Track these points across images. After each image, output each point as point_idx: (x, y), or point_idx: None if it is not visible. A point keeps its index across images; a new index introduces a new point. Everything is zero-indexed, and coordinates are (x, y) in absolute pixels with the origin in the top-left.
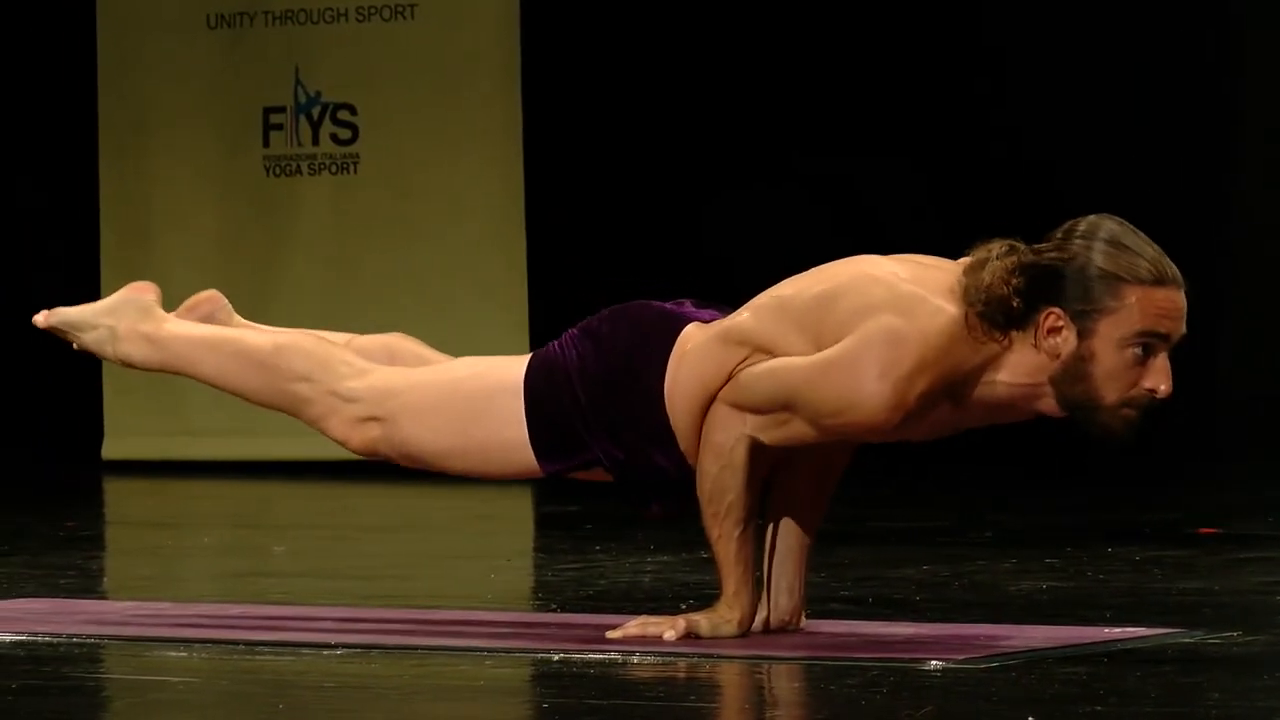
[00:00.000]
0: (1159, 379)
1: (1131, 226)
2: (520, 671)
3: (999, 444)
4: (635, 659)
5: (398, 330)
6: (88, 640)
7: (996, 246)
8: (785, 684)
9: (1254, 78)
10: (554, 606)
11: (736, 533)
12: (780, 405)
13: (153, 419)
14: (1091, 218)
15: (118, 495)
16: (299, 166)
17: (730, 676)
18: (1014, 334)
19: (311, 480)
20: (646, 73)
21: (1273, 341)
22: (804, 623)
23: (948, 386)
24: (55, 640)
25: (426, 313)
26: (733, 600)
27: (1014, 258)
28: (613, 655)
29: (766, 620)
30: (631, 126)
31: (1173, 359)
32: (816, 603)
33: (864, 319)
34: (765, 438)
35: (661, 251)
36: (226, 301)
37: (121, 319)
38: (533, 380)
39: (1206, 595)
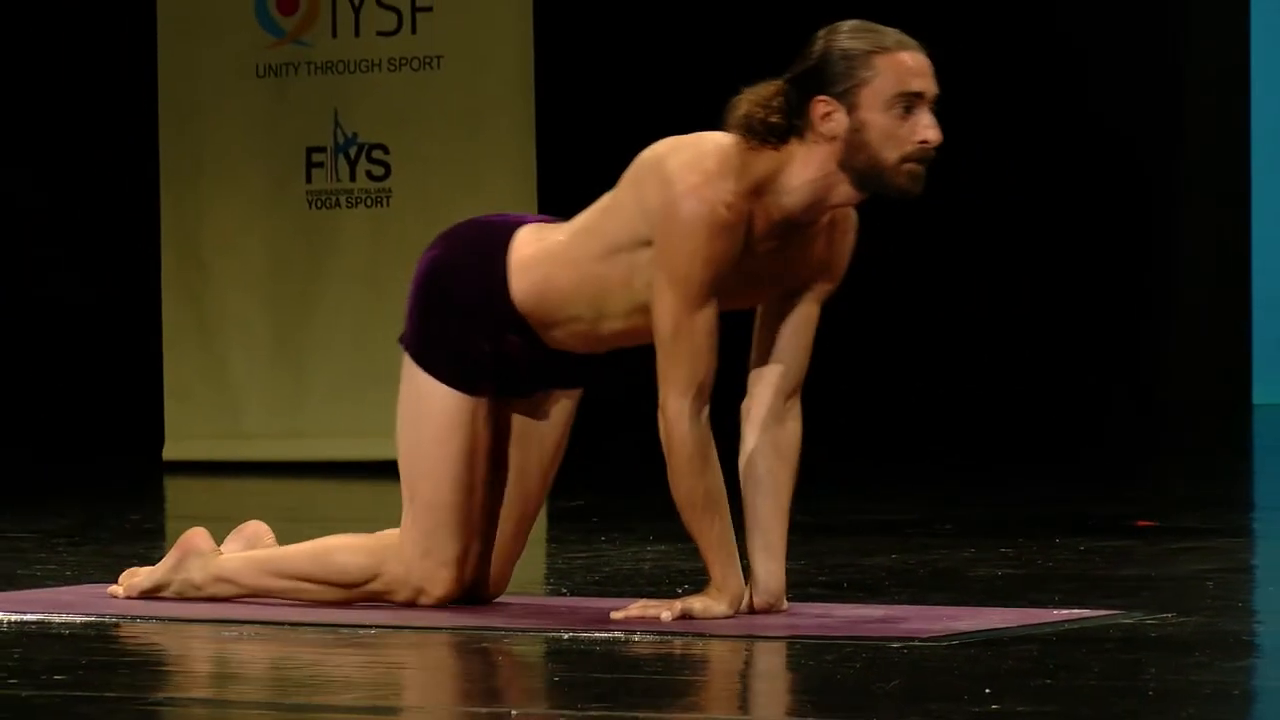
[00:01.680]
0: (927, 130)
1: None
2: (535, 649)
3: (959, 445)
4: (636, 638)
5: None
6: (150, 619)
7: (750, 89)
8: (769, 659)
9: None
10: (564, 590)
11: (715, 521)
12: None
13: (209, 423)
14: (831, 24)
15: (177, 493)
16: (338, 200)
17: (720, 653)
18: (793, 143)
19: (357, 479)
20: (652, 119)
21: (1209, 347)
22: (786, 605)
23: (751, 191)
24: (120, 619)
25: None
26: (721, 584)
27: (770, 86)
28: (616, 634)
29: (751, 603)
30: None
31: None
32: (797, 587)
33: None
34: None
35: None
36: (269, 529)
37: (192, 571)
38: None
39: (1144, 581)
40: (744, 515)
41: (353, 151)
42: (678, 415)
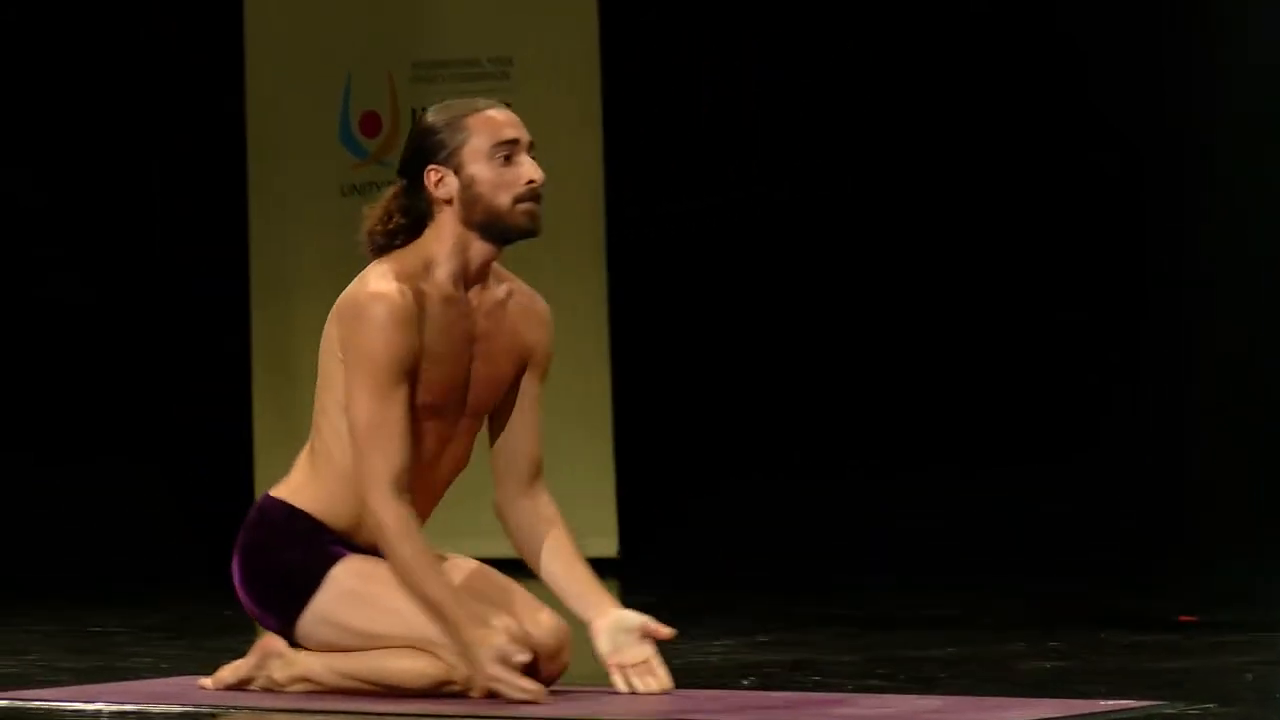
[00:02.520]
0: (528, 170)
1: None
2: None
3: (1007, 545)
4: None
5: None
6: (242, 709)
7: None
8: None
9: None
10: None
11: (438, 577)
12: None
13: None
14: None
15: None
16: None
17: None
18: (428, 226)
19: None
20: (718, 194)
21: (1241, 439)
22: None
23: (410, 280)
24: (214, 709)
25: None
26: (477, 641)
27: (388, 189)
28: None
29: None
30: (704, 273)
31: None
32: (857, 679)
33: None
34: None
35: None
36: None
37: (273, 671)
38: None
39: (1186, 673)
40: (555, 589)
41: None
42: (384, 500)
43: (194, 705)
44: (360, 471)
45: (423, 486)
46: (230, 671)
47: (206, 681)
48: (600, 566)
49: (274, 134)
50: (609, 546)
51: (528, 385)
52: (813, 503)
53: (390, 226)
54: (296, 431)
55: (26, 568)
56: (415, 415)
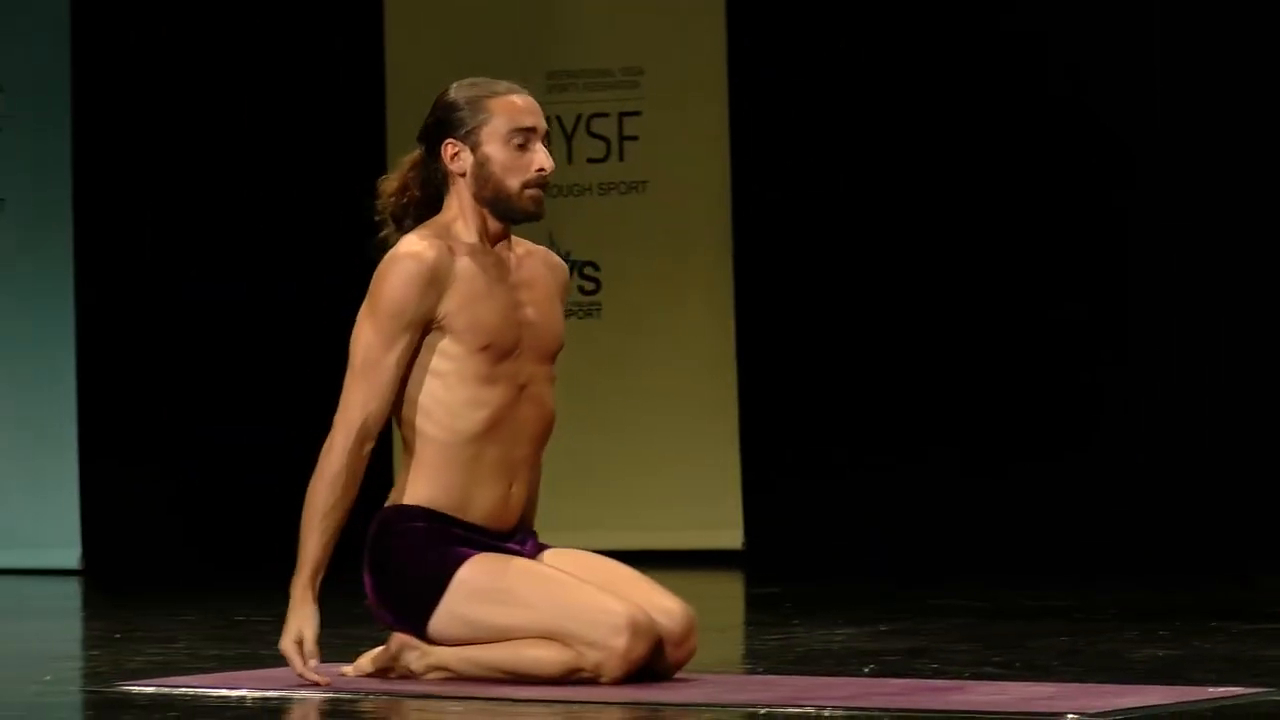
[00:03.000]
0: (541, 159)
1: None
2: None
3: (1117, 540)
4: (827, 712)
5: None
6: (381, 695)
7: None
8: None
9: None
10: (760, 669)
11: (316, 537)
12: None
13: None
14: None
15: None
16: None
17: None
18: (448, 195)
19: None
20: (845, 236)
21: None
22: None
23: (439, 239)
24: (355, 695)
25: (650, 424)
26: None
27: (406, 158)
28: (808, 709)
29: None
30: (827, 277)
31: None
32: (973, 666)
33: None
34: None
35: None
36: None
37: (410, 662)
38: None
39: None
40: None
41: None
42: (343, 434)
43: (334, 692)
44: (341, 399)
45: (510, 437)
46: (369, 660)
47: (347, 669)
48: (726, 558)
49: (413, 143)
50: (734, 539)
51: None
52: (934, 494)
53: (405, 200)
54: None
55: (174, 558)
56: (482, 361)
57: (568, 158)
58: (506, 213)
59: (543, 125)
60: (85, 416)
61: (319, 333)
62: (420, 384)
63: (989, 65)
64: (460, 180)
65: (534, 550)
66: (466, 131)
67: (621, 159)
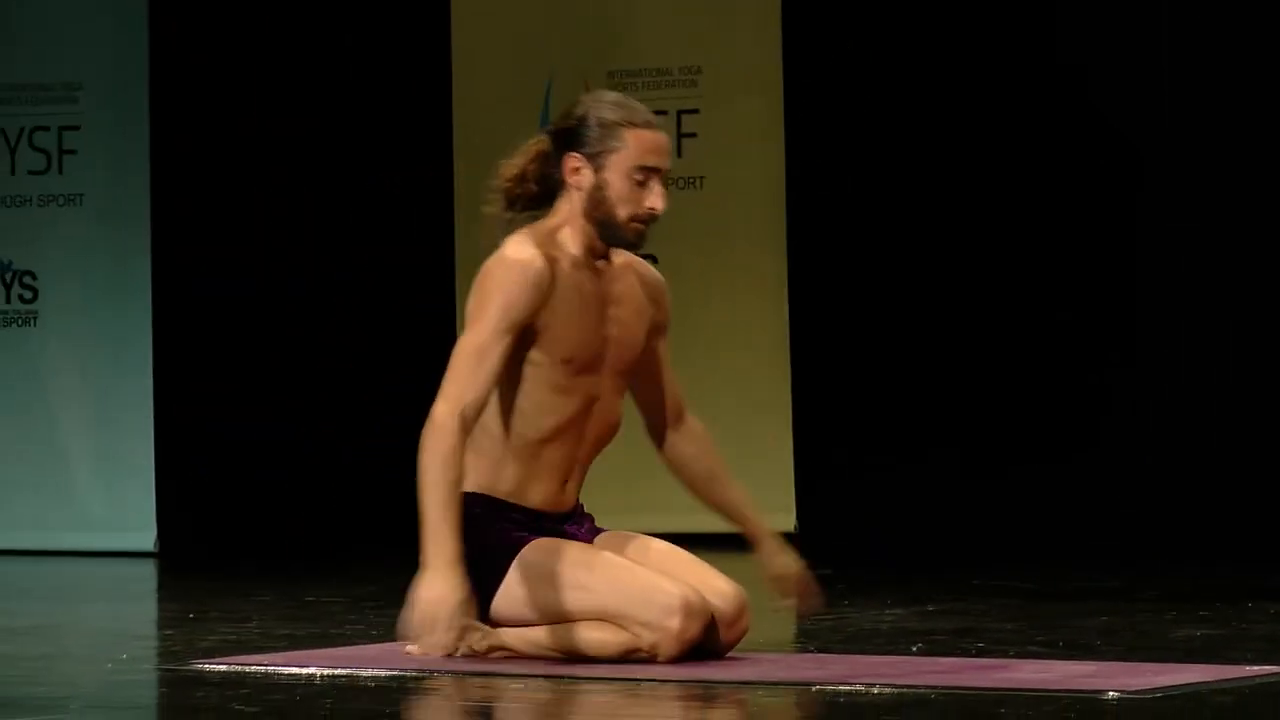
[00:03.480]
0: (655, 199)
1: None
2: (785, 699)
3: (1158, 529)
4: (875, 690)
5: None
6: (445, 673)
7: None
8: (991, 710)
9: None
10: (811, 648)
11: (439, 506)
12: None
13: None
14: (594, 92)
15: None
16: None
17: (945, 703)
18: (559, 201)
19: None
20: (895, 230)
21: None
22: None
23: (543, 247)
24: (420, 674)
25: (705, 412)
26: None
27: (534, 144)
28: (858, 687)
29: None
30: (879, 275)
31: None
32: (1019, 646)
33: None
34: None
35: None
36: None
37: (473, 643)
38: None
39: None
40: (722, 510)
41: None
42: (446, 414)
43: (400, 669)
44: (444, 382)
45: (573, 441)
46: (437, 646)
47: (413, 648)
48: None
49: (479, 137)
50: (787, 521)
51: (660, 349)
52: (982, 482)
53: (521, 190)
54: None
55: (248, 541)
56: (562, 372)
57: None
58: (609, 237)
59: (667, 165)
60: (161, 405)
61: (330, 329)
62: (501, 385)
63: (1003, 69)
64: (575, 193)
65: (590, 533)
66: (594, 152)
67: (680, 155)
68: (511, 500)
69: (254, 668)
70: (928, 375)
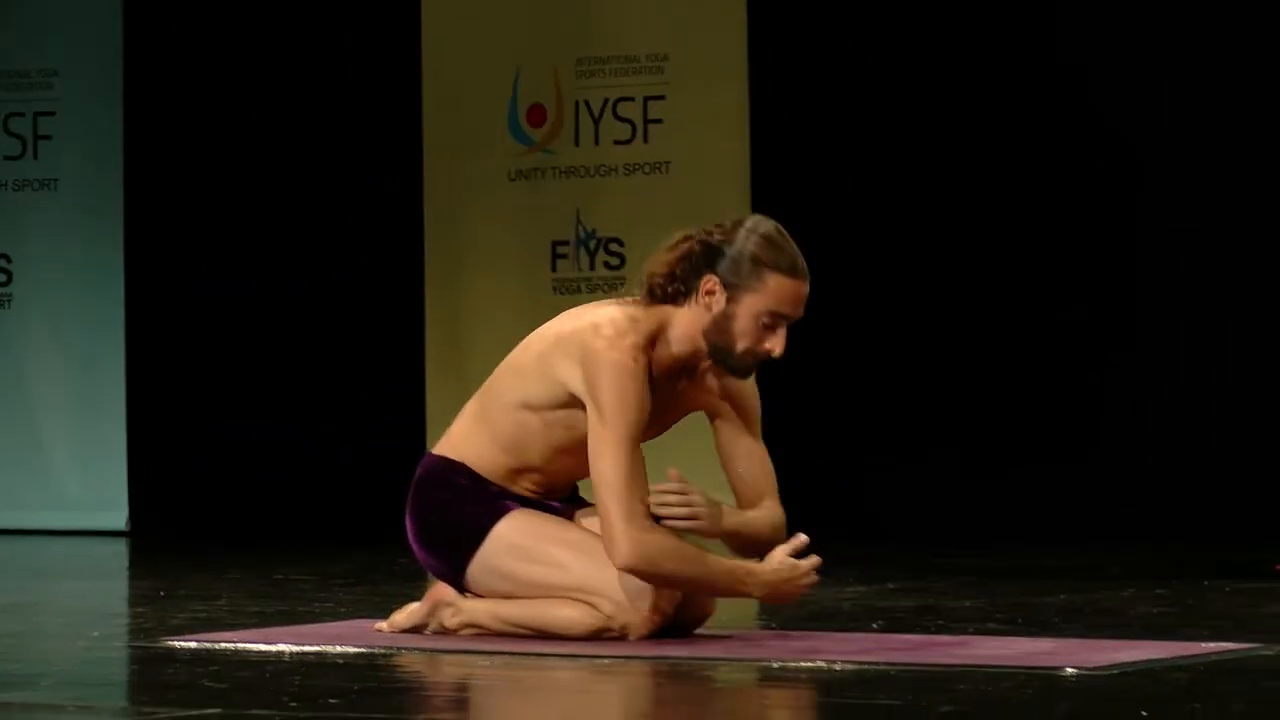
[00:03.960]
0: (776, 344)
1: (782, 229)
2: (749, 676)
3: (1119, 507)
4: (838, 667)
5: None
6: (414, 650)
7: (671, 239)
8: (950, 686)
9: None
10: (774, 625)
11: (711, 563)
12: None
13: None
14: (757, 216)
15: None
16: (580, 286)
17: (905, 680)
18: (681, 303)
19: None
20: (857, 217)
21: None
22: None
23: (648, 342)
24: (388, 651)
25: None
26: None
27: (685, 243)
28: (819, 663)
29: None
30: (843, 255)
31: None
32: (978, 623)
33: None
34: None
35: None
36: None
37: (444, 619)
38: None
39: None
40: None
41: (592, 244)
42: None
43: (369, 647)
44: (608, 508)
45: (571, 470)
46: (405, 616)
47: (382, 625)
48: None
49: (449, 125)
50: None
51: (725, 433)
52: (982, 482)
53: (666, 285)
54: (466, 391)
55: (218, 520)
56: (574, 443)
57: (595, 140)
58: (720, 360)
59: (798, 315)
60: (133, 388)
61: (329, 329)
62: (538, 416)
63: (999, 66)
64: (701, 309)
65: (569, 505)
66: (734, 283)
67: (646, 141)
68: (499, 485)
69: (224, 645)
70: (927, 376)
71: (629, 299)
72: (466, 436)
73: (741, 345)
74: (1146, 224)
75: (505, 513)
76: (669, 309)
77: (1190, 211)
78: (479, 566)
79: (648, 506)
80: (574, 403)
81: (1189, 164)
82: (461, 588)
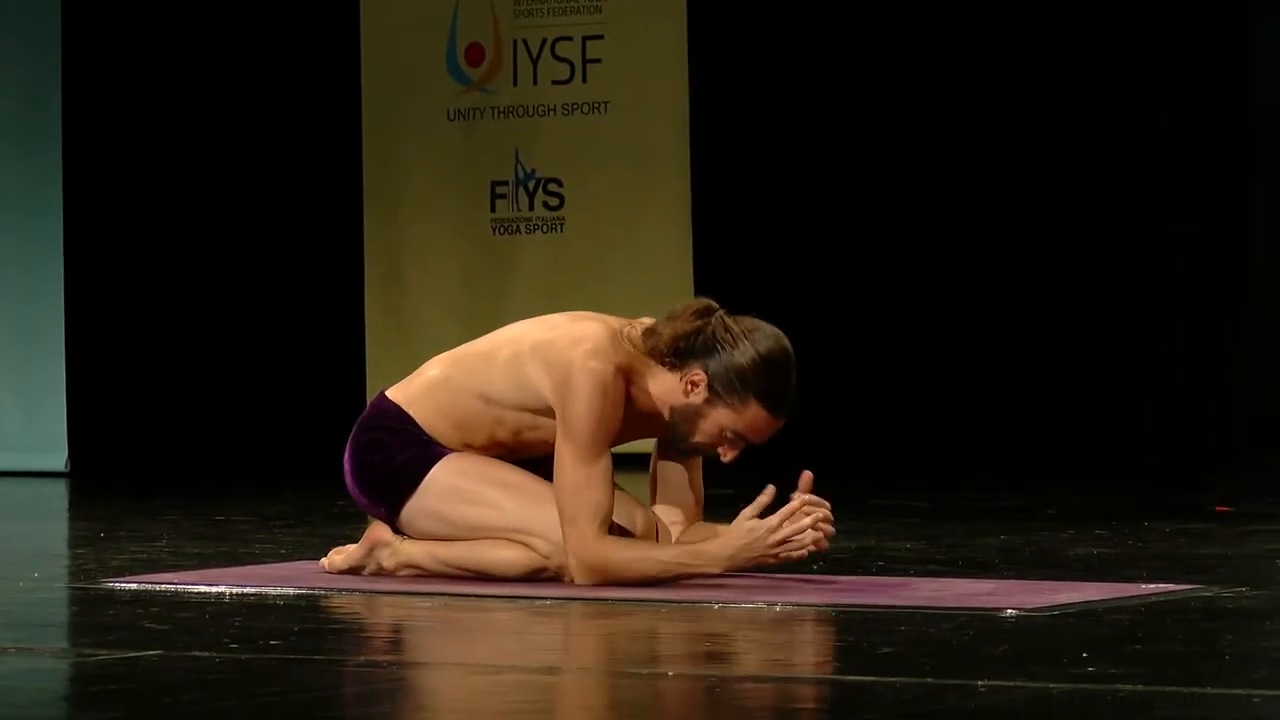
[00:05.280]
0: (729, 455)
1: (792, 359)
2: (687, 617)
3: (1060, 446)
4: (779, 608)
5: None
6: (354, 591)
7: (695, 305)
8: (890, 627)
9: None
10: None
11: (664, 554)
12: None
13: None
14: (773, 333)
15: None
16: (519, 227)
17: (848, 621)
18: (667, 367)
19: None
20: (798, 159)
21: None
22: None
23: (622, 372)
24: (328, 592)
25: None
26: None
27: (701, 321)
28: (760, 604)
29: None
30: (785, 196)
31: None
32: (919, 565)
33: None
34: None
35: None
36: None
37: (382, 559)
38: None
39: (1222, 559)
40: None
41: (531, 185)
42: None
43: (309, 588)
44: (568, 518)
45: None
46: (343, 557)
47: (322, 562)
48: None
49: (386, 64)
50: None
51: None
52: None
53: (666, 352)
54: (404, 336)
55: (161, 460)
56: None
57: (534, 80)
58: (671, 434)
59: (762, 442)
60: (73, 326)
61: (329, 333)
62: (491, 409)
63: (991, 61)
64: (680, 389)
65: None
66: (718, 388)
67: (585, 81)
68: (441, 446)
69: (164, 586)
70: (927, 376)
71: (610, 319)
72: (423, 395)
73: (697, 440)
74: (1146, 224)
75: (441, 456)
76: (653, 363)
77: (1190, 211)
78: (415, 509)
79: (608, 516)
80: (536, 408)
81: (1188, 163)
82: (398, 529)
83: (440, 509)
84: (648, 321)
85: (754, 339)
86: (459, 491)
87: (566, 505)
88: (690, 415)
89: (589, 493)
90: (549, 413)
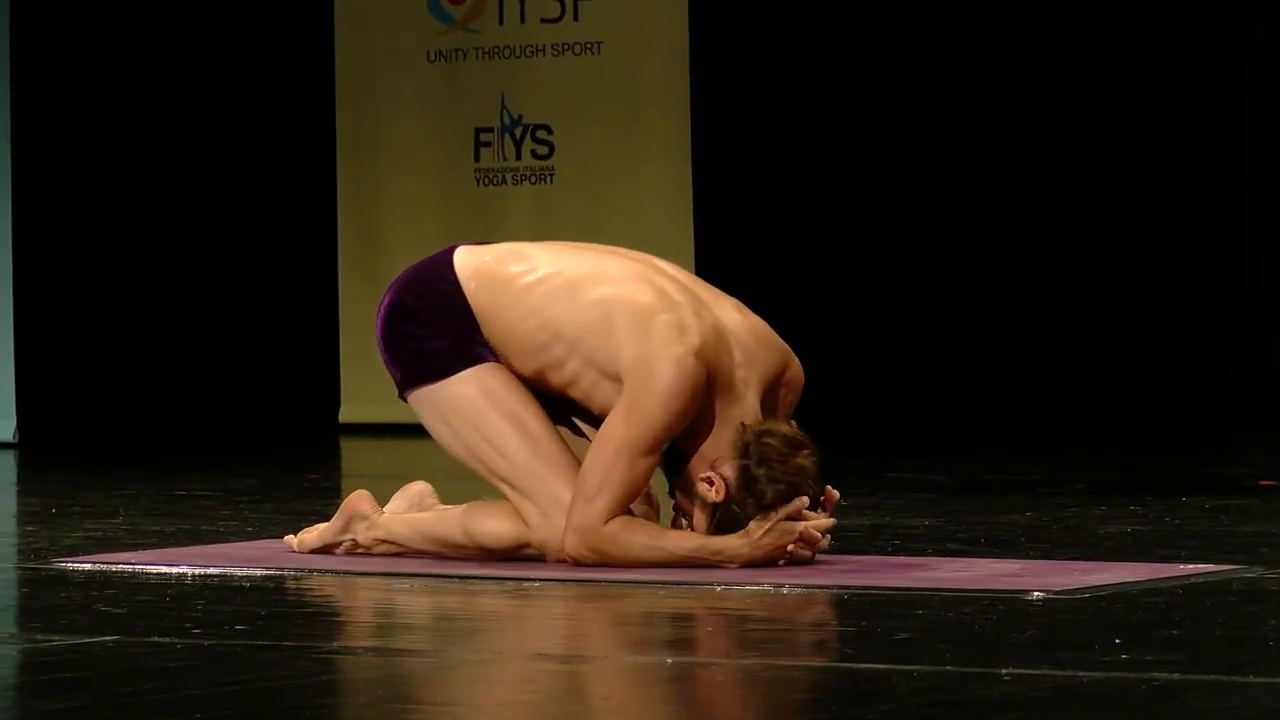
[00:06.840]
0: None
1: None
2: (690, 598)
3: (1092, 418)
4: (785, 590)
5: None
6: (325, 572)
7: (788, 429)
8: (906, 611)
9: None
10: None
11: (669, 540)
12: None
13: (385, 386)
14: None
15: (352, 453)
16: (504, 178)
17: (863, 604)
18: (722, 436)
19: None
20: (801, 101)
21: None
22: None
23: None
24: (297, 573)
25: None
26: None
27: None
28: (764, 585)
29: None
30: (789, 147)
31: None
32: (937, 543)
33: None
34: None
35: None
36: (432, 489)
37: (358, 533)
38: None
39: (1264, 537)
40: None
41: (518, 132)
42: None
43: (277, 569)
44: (588, 492)
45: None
46: (315, 535)
47: (291, 539)
48: None
49: (361, 2)
50: None
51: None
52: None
53: (740, 436)
54: (381, 291)
55: (116, 432)
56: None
57: (520, 18)
58: (675, 477)
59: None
60: (21, 293)
61: (326, 323)
62: (566, 340)
63: (991, 59)
64: (714, 466)
65: None
66: (737, 483)
67: (576, 19)
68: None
69: (121, 566)
70: (926, 376)
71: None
72: (491, 285)
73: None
74: (1145, 221)
75: (479, 361)
76: (722, 419)
77: (1189, 209)
78: (427, 398)
79: (624, 510)
80: (605, 369)
81: (1188, 162)
82: (403, 397)
83: (451, 418)
84: (744, 337)
85: (792, 441)
86: (479, 414)
87: (594, 480)
88: (740, 500)
89: (623, 483)
90: (613, 378)
